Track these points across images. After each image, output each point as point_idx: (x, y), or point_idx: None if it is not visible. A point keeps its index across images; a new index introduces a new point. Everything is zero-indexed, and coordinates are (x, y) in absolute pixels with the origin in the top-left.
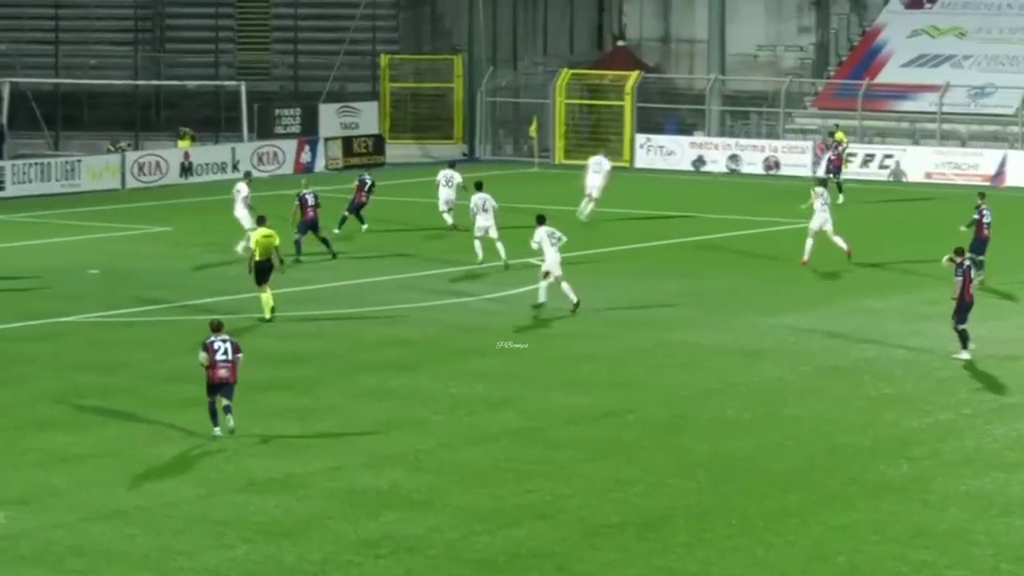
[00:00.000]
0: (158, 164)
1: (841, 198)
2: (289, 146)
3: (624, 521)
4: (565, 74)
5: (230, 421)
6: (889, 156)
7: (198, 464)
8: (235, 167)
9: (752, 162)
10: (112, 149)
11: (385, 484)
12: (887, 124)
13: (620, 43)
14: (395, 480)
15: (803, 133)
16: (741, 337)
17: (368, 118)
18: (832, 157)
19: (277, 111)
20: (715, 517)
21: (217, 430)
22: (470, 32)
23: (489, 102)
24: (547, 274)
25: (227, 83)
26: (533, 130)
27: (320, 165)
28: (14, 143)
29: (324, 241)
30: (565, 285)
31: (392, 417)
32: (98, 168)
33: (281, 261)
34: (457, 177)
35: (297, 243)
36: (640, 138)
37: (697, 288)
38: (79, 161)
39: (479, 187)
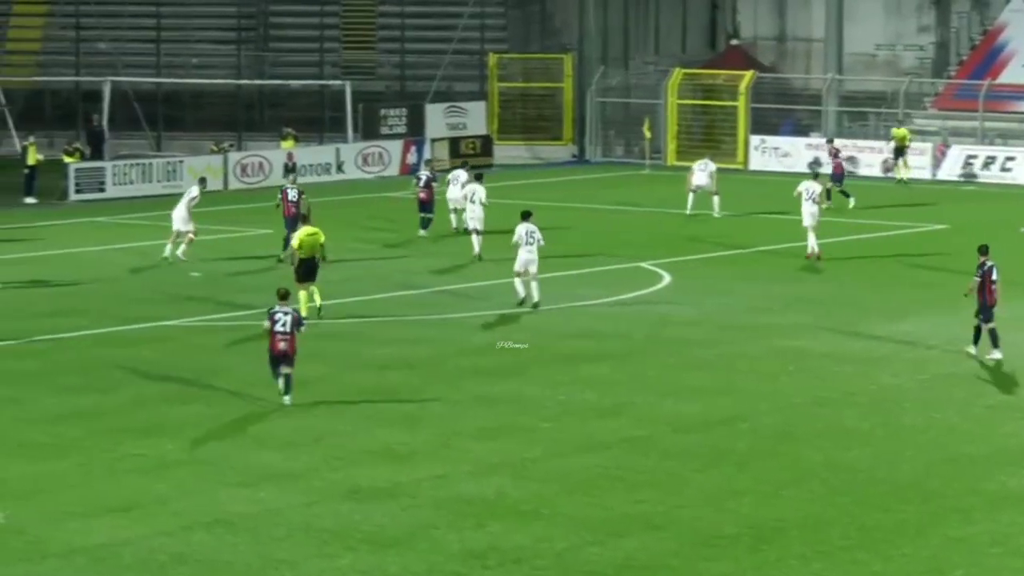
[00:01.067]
0: (261, 165)
1: (852, 202)
2: (395, 147)
3: (737, 532)
4: (677, 74)
5: (284, 387)
6: (1011, 158)
7: (302, 471)
8: (339, 168)
9: (870, 164)
10: (215, 150)
11: (491, 493)
12: (1009, 125)
13: (734, 42)
14: (502, 489)
15: (922, 135)
16: (856, 344)
17: (476, 118)
18: (834, 164)
19: (383, 111)
20: (831, 528)
21: (287, 399)
22: (580, 31)
23: (599, 102)
24: (520, 273)
25: (332, 83)
26: (647, 129)
27: None
28: (115, 143)
29: (287, 241)
30: (520, 284)
31: (499, 424)
32: (200, 169)
33: (324, 257)
34: (463, 176)
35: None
36: (755, 139)
37: (810, 293)
38: (181, 162)
39: (479, 179)
